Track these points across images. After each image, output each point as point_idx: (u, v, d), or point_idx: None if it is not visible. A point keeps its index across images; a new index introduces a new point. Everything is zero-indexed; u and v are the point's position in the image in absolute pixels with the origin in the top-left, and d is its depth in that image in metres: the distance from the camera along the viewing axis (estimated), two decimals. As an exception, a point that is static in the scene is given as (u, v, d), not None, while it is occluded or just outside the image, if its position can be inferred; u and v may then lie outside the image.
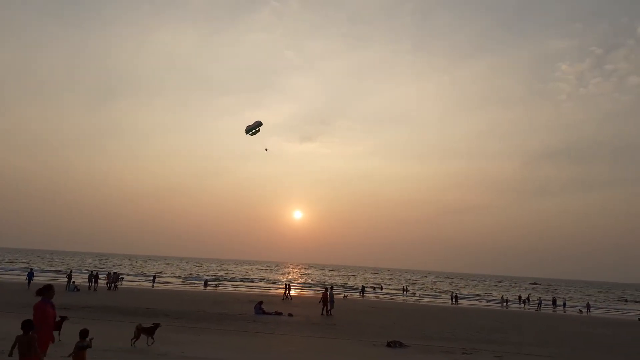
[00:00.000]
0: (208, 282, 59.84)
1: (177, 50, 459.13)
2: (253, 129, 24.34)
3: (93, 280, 40.36)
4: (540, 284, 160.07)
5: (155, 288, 50.23)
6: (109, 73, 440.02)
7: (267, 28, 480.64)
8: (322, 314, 28.68)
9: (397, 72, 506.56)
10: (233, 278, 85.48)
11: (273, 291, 55.74)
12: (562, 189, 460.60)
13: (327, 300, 29.22)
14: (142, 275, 77.21)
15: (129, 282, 57.55)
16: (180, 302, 32.84)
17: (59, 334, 13.73)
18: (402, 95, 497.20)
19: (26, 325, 7.25)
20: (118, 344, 14.02)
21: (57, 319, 16.28)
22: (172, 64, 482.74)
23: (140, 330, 14.32)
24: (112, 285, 41.48)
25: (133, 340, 14.07)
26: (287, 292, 41.23)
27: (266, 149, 26.13)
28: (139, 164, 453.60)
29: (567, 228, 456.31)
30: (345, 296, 51.86)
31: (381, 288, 79.14)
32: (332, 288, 30.83)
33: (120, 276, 51.38)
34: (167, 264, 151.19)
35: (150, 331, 14.55)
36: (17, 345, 7.26)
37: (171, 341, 15.48)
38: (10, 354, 7.36)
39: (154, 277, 61.20)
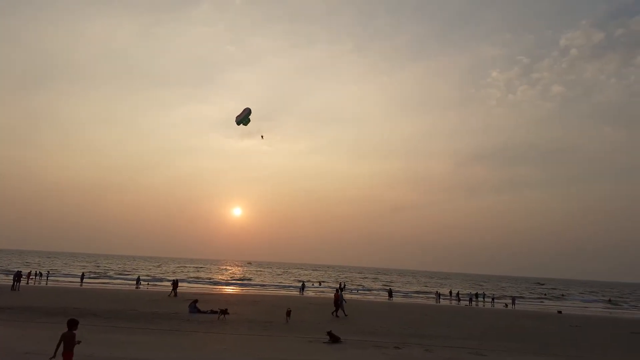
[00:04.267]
0: (141, 280, 57.83)
1: (114, 40, 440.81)
2: (244, 118, 23.64)
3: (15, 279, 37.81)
4: (543, 284, 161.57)
5: (83, 287, 47.94)
6: (38, 60, 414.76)
7: (209, 22, 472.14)
8: (336, 316, 28.49)
9: (339, 72, 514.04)
10: (163, 277, 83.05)
11: (210, 289, 54.85)
12: (491, 189, 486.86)
13: (338, 301, 29.21)
14: (69, 274, 73.33)
15: (54, 282, 54.53)
16: (111, 301, 31.55)
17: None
18: (343, 94, 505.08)
19: (70, 323, 8.94)
20: (42, 346, 13.30)
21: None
22: (108, 54, 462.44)
23: (288, 314, 23.49)
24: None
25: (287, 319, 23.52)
26: (173, 289, 40.36)
27: (262, 136, 26.25)
28: (67, 156, 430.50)
29: (495, 226, 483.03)
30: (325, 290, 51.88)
31: (319, 284, 79.98)
32: (342, 289, 30.45)
33: (23, 275, 43.99)
34: (95, 261, 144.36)
35: (288, 314, 23.64)
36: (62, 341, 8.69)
37: (99, 342, 14.85)
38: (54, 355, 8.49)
39: (82, 275, 58.38)
